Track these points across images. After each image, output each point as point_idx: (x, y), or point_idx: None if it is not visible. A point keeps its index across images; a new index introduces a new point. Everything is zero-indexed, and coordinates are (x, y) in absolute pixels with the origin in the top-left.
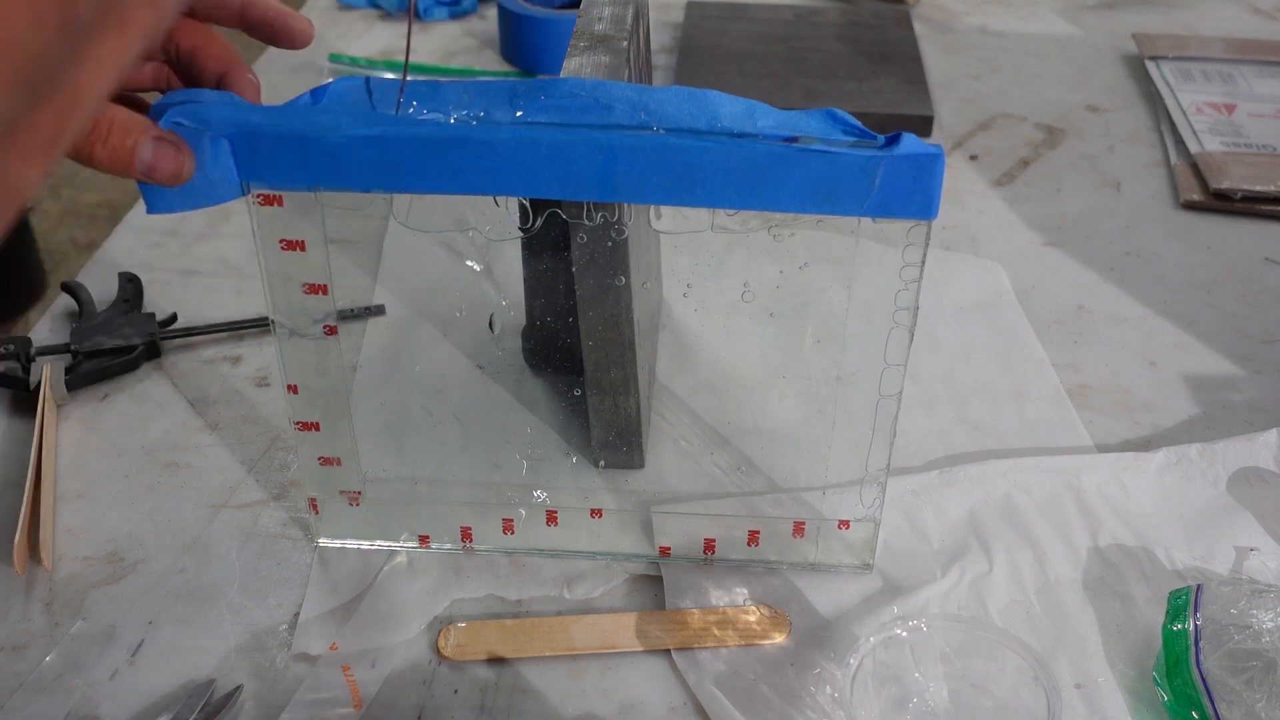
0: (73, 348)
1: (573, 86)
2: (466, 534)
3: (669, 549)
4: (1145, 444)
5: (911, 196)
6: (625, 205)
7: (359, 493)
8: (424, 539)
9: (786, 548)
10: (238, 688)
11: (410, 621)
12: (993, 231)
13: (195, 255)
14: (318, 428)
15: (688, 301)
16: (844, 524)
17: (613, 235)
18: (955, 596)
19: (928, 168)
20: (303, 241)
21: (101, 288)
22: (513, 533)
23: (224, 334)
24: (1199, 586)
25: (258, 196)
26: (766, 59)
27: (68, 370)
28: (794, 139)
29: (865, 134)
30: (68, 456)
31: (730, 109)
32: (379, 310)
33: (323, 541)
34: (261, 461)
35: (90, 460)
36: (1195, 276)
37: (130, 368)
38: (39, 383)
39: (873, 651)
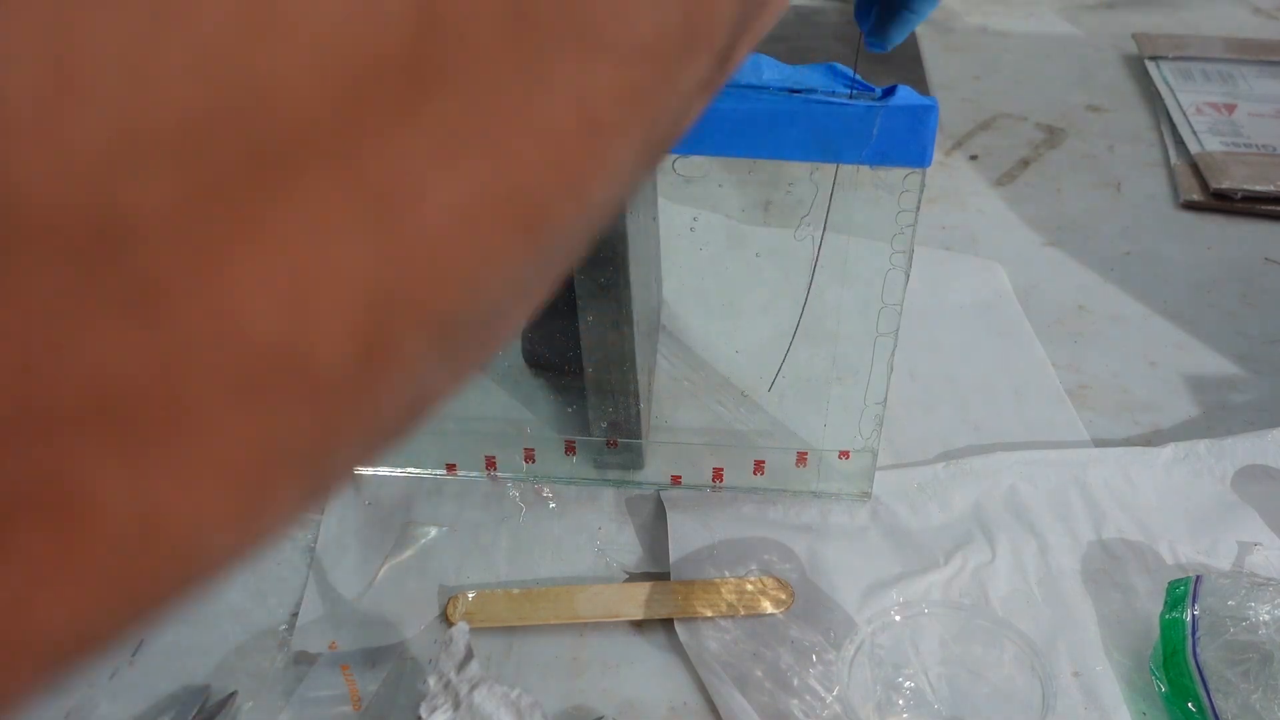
0: None
1: None
2: (490, 463)
3: (680, 477)
4: (1146, 444)
5: (907, 145)
6: None
7: None
8: (450, 467)
9: (790, 477)
10: (233, 693)
11: (410, 621)
12: (993, 231)
13: None
14: None
15: (687, 295)
16: (844, 454)
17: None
18: (957, 584)
19: (922, 117)
20: None
21: None
22: (533, 461)
23: None
24: (1198, 578)
25: None
26: None
27: None
28: (798, 90)
29: (864, 86)
30: None
31: None
32: None
33: (357, 469)
34: None
35: None
36: (1195, 276)
37: None
38: None
39: (872, 635)
